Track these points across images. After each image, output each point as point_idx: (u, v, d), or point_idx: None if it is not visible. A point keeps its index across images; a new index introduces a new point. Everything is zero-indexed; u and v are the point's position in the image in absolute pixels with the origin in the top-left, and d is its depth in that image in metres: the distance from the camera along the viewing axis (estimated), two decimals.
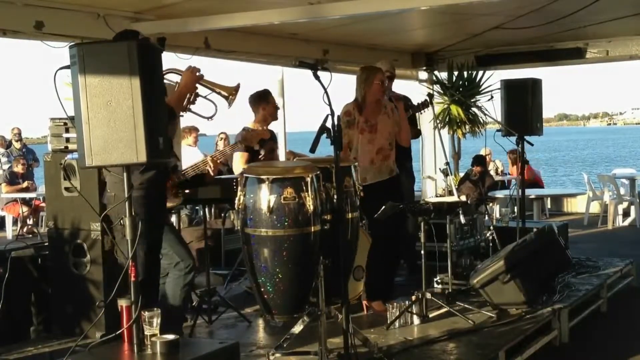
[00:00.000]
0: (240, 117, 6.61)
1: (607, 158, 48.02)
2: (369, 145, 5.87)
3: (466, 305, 5.65)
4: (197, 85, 4.90)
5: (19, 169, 13.47)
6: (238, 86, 5.11)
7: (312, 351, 4.55)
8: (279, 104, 7.21)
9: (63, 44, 5.94)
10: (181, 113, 4.97)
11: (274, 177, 4.42)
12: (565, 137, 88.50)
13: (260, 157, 6.29)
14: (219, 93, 5.02)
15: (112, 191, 4.51)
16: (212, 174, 5.26)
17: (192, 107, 4.96)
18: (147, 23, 6.48)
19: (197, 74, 4.87)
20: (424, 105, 6.93)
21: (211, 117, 5.03)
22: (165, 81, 4.86)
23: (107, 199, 4.61)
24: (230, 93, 5.04)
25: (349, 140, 5.79)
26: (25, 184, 13.29)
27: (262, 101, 6.45)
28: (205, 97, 4.98)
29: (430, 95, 7.20)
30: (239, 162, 6.22)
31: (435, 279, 6.50)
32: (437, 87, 10.48)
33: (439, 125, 9.73)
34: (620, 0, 7.81)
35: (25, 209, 12.63)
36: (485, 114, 8.93)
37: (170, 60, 7.31)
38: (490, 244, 7.02)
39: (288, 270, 4.42)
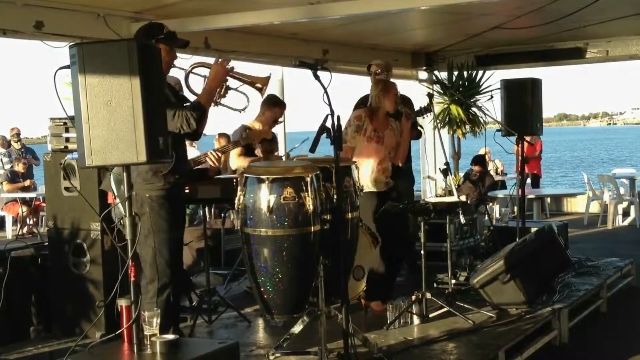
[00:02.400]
0: (239, 117, 6.61)
1: (607, 158, 47.99)
2: (375, 155, 5.83)
3: (466, 305, 5.65)
4: (227, 77, 4.71)
5: (19, 167, 13.59)
6: (269, 77, 5.01)
7: (312, 351, 4.54)
8: None
9: (63, 44, 5.93)
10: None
11: (274, 177, 4.42)
12: (565, 137, 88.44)
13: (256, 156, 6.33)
14: (251, 84, 4.86)
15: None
16: (214, 167, 5.23)
17: (222, 100, 4.75)
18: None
19: (228, 65, 4.66)
20: (426, 110, 6.91)
21: (243, 110, 4.90)
22: (194, 76, 4.77)
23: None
24: (264, 84, 4.90)
25: (355, 146, 5.75)
26: (27, 182, 13.36)
27: (274, 106, 6.50)
28: (236, 90, 4.82)
29: (430, 95, 7.20)
30: (234, 157, 6.31)
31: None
32: (437, 87, 10.45)
33: (439, 125, 9.73)
34: (620, 0, 7.80)
35: (25, 208, 12.64)
36: (485, 114, 8.92)
37: None
38: (490, 244, 7.02)
39: (288, 270, 4.42)
